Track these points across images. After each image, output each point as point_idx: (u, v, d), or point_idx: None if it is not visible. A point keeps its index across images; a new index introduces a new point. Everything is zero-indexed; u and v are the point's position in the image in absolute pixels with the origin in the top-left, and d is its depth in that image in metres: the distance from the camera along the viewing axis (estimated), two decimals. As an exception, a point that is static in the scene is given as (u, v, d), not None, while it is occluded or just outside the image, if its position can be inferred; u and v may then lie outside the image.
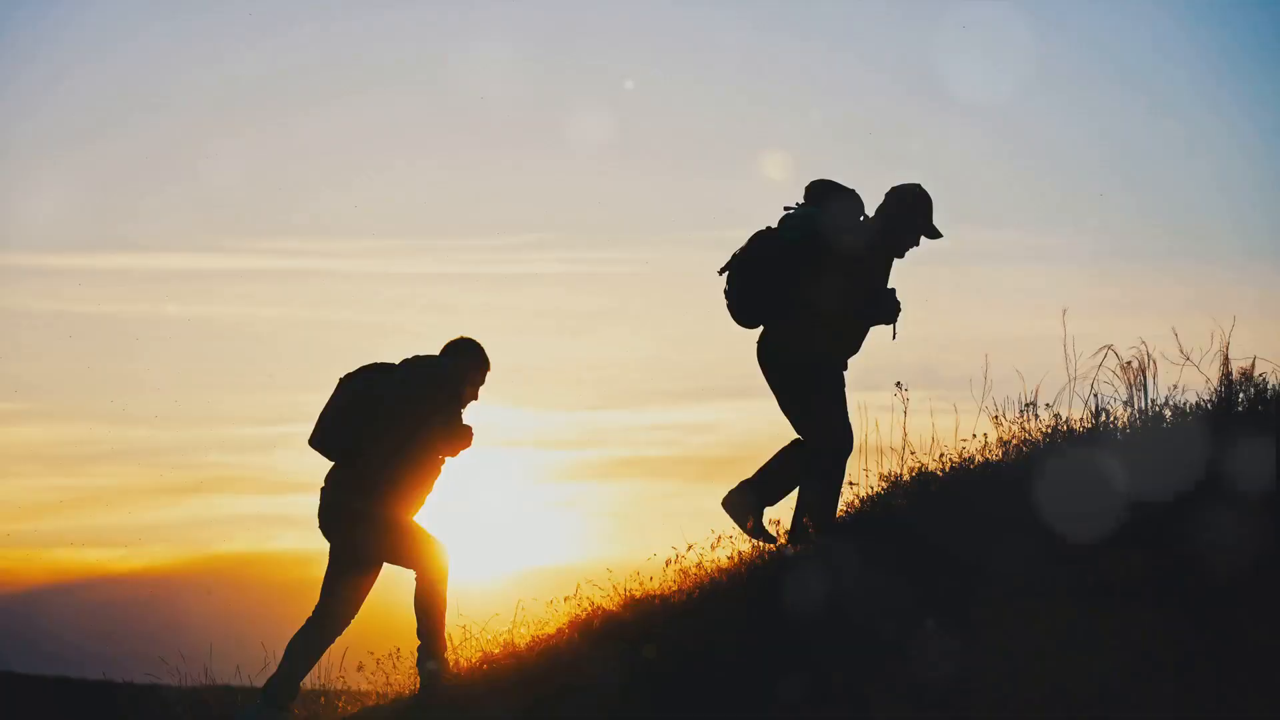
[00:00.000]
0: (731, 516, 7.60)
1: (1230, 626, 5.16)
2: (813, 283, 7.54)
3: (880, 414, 7.87)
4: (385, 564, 7.55)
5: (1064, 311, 7.65)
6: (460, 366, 7.55)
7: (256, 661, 8.07)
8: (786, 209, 7.72)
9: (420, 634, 7.45)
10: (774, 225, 7.72)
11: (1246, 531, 5.66)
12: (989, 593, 5.80)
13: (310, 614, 7.57)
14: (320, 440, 7.48)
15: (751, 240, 7.71)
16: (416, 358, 7.56)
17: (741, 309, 7.69)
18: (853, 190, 7.74)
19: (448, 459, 7.51)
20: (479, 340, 7.67)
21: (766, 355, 7.68)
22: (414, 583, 7.46)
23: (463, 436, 7.45)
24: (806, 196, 7.76)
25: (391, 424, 7.36)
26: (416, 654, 7.48)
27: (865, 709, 5.42)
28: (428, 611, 7.41)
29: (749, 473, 7.67)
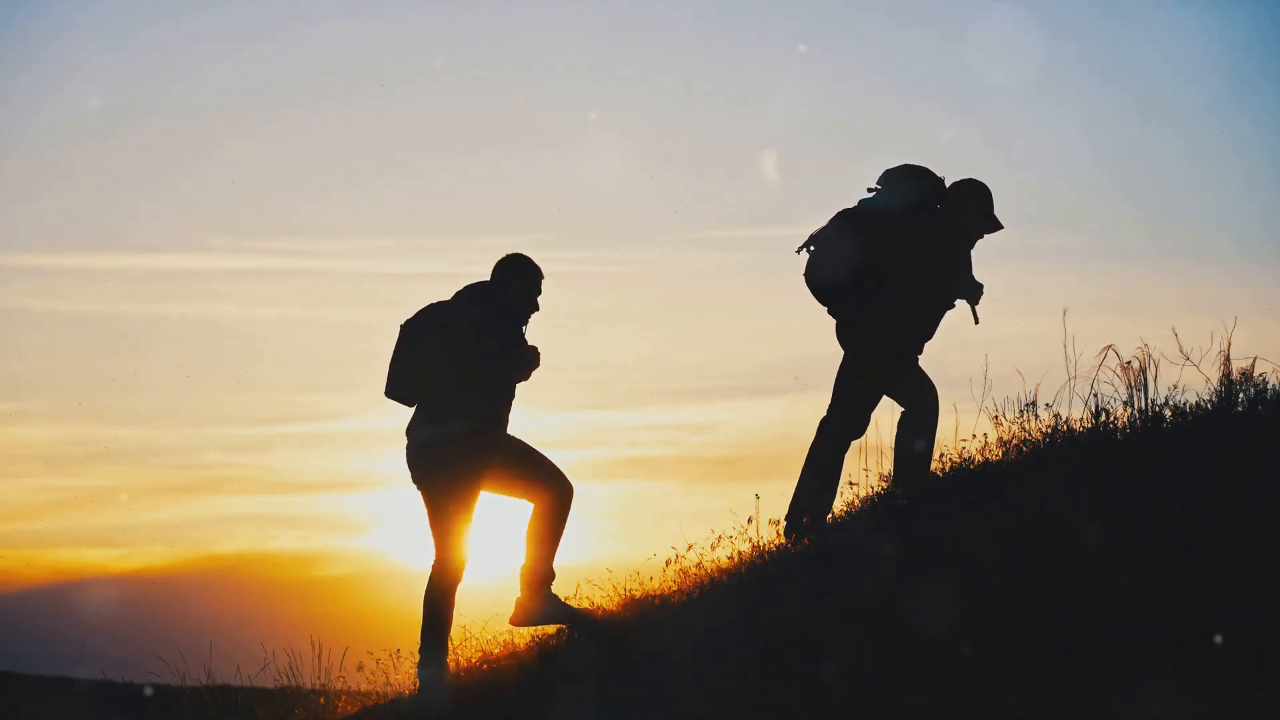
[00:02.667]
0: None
1: (1232, 627, 5.14)
2: (898, 257, 7.58)
3: (881, 414, 7.88)
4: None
5: (1064, 311, 7.66)
6: (516, 287, 7.52)
7: (256, 661, 8.06)
8: (870, 190, 7.80)
9: (422, 632, 7.40)
10: (853, 207, 7.80)
11: (1247, 532, 5.65)
12: (990, 592, 5.78)
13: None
14: (395, 388, 7.43)
15: (836, 218, 7.75)
16: (471, 288, 7.51)
17: (821, 285, 7.74)
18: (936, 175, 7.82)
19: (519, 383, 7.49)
20: (524, 253, 7.61)
21: (842, 336, 7.76)
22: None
23: (530, 360, 7.44)
24: (884, 183, 7.80)
25: (460, 359, 7.33)
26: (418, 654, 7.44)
27: (865, 709, 5.41)
28: (429, 605, 7.35)
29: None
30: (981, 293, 7.76)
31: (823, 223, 7.85)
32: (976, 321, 7.80)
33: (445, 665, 7.34)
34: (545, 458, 7.44)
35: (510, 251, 7.58)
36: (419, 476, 7.39)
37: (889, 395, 7.77)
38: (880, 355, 7.70)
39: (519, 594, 7.44)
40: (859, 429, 7.75)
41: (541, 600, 7.40)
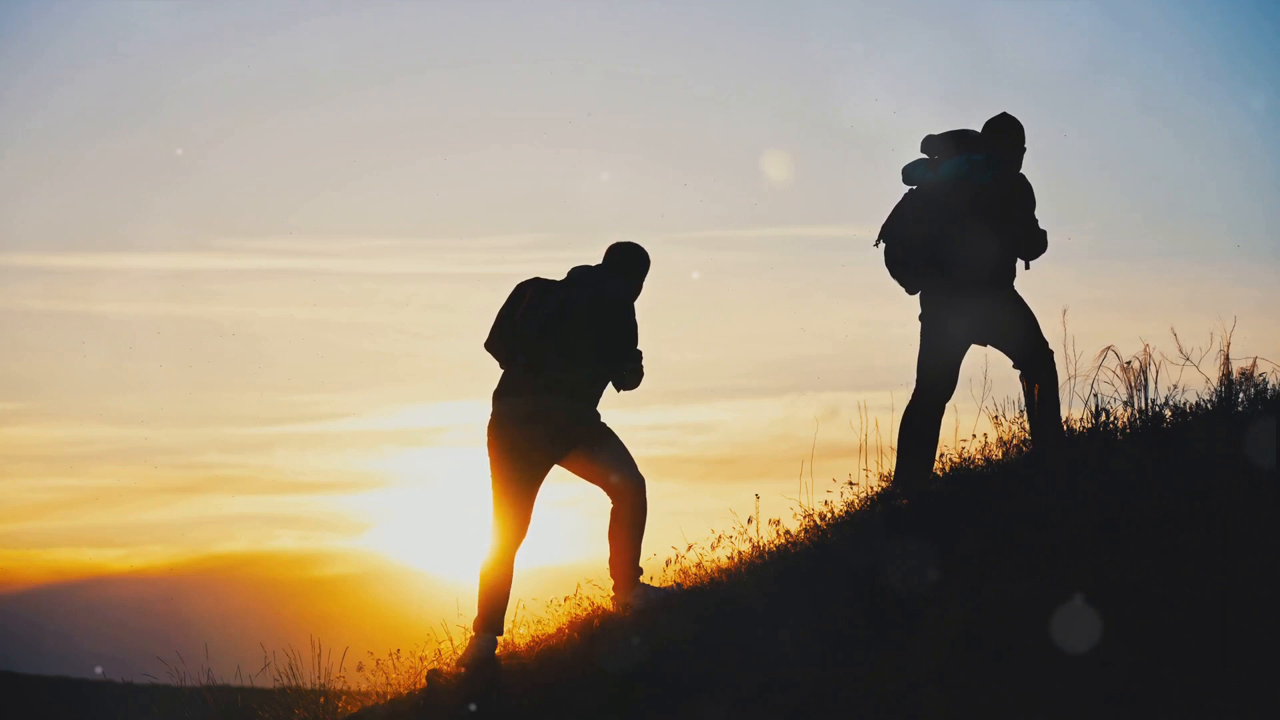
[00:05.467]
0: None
1: (1233, 627, 5.12)
2: (983, 226, 7.57)
3: (881, 414, 7.88)
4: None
5: (1064, 311, 7.66)
6: (637, 285, 7.50)
7: (256, 661, 8.06)
8: (924, 158, 7.77)
9: (480, 606, 7.37)
10: (911, 190, 7.77)
11: (1247, 531, 5.64)
12: (990, 593, 5.75)
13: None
14: (507, 343, 7.35)
15: (911, 201, 7.75)
16: (584, 277, 7.42)
17: (907, 270, 7.74)
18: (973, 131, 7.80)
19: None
20: (637, 243, 7.56)
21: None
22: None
23: (640, 367, 7.41)
24: (931, 150, 7.77)
25: (609, 339, 7.33)
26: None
27: (865, 709, 5.39)
28: (493, 580, 7.31)
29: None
30: (1045, 244, 7.66)
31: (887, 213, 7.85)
32: (1027, 267, 7.72)
33: (495, 642, 7.30)
34: (627, 452, 7.42)
35: (625, 243, 7.53)
36: (512, 444, 7.30)
37: (1003, 351, 7.69)
38: (957, 321, 7.64)
39: (612, 588, 7.47)
40: (942, 394, 7.66)
41: (630, 593, 7.39)
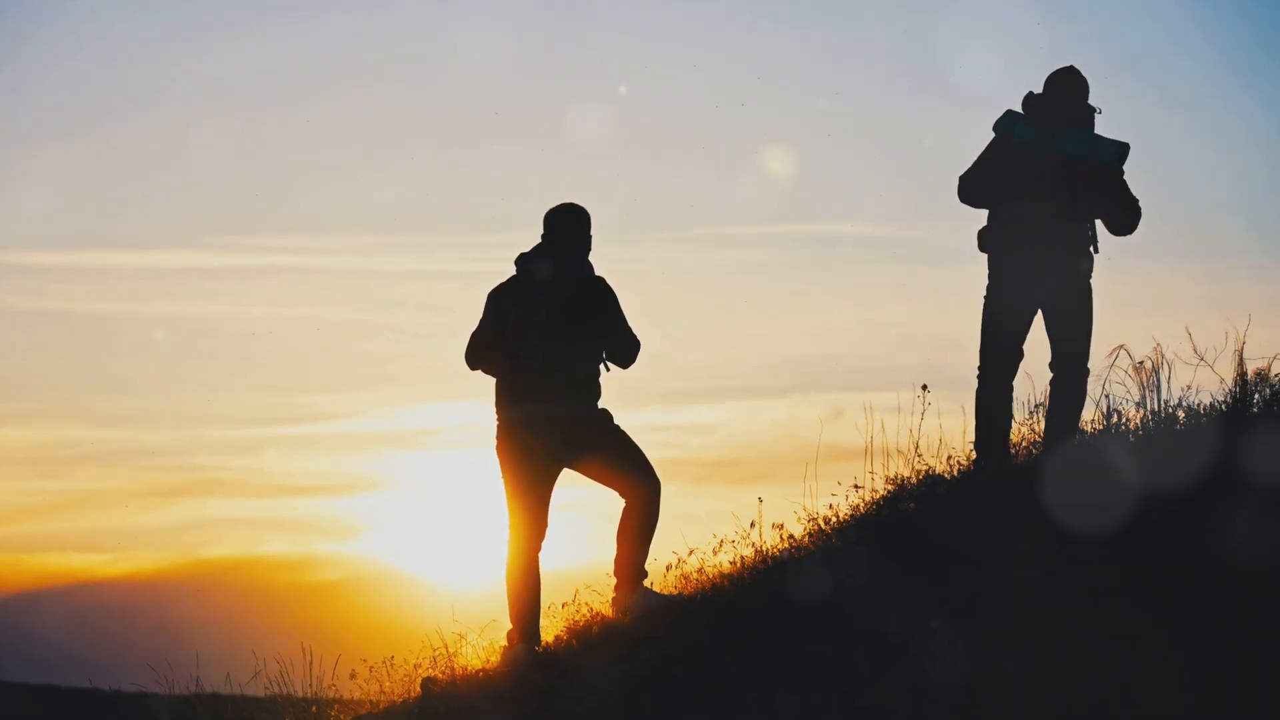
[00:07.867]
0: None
1: (1242, 630, 5.08)
2: (1086, 202, 7.51)
3: (886, 415, 7.86)
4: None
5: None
6: (589, 244, 7.37)
7: (247, 668, 7.99)
8: (1020, 114, 7.61)
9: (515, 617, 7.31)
10: (1013, 148, 7.59)
11: (1260, 534, 5.56)
12: (998, 595, 5.70)
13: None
14: (510, 355, 7.23)
15: (1018, 160, 7.56)
16: (556, 266, 7.29)
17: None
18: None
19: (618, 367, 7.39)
20: (571, 203, 7.41)
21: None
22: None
23: (633, 340, 7.32)
24: (1034, 112, 7.61)
25: (578, 335, 7.23)
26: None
27: (869, 714, 5.32)
28: (523, 588, 7.25)
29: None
30: (1133, 214, 7.57)
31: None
32: (1097, 252, 7.59)
33: (533, 653, 7.21)
34: (641, 452, 7.33)
35: (556, 208, 7.36)
36: (526, 450, 7.22)
37: (1050, 333, 7.60)
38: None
39: (614, 589, 7.40)
40: (1010, 361, 7.58)
41: (633, 595, 7.31)
